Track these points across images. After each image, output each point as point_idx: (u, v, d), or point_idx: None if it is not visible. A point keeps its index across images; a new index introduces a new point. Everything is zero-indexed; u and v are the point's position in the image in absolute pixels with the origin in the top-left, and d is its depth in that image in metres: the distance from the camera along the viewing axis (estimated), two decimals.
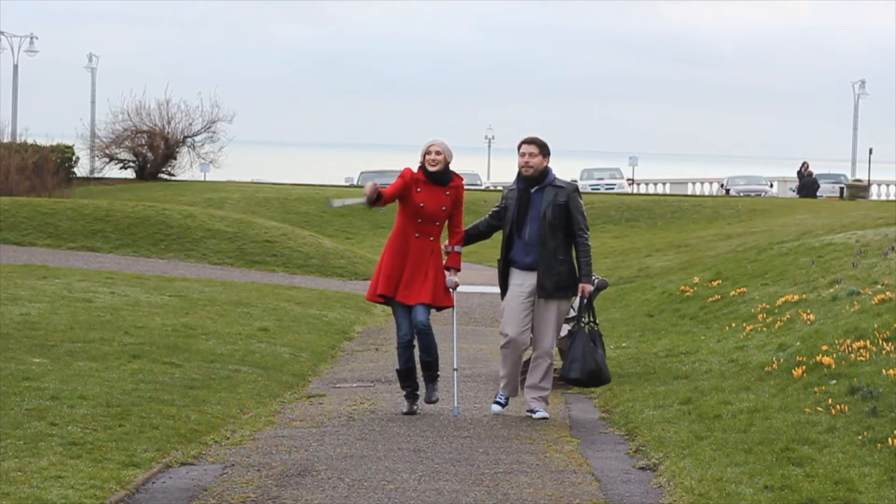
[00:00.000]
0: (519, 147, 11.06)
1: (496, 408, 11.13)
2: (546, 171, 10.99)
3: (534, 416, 10.93)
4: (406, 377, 11.09)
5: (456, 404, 11.06)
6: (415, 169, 11.00)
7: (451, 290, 11.00)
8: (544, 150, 10.98)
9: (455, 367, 11.19)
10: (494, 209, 11.22)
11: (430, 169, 10.88)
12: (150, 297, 18.21)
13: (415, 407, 11.07)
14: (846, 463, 8.56)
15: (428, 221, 10.90)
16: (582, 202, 11.12)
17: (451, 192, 10.94)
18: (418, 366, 11.20)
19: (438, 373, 11.20)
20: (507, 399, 11.16)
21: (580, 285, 10.93)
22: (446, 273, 11.00)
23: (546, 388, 11.05)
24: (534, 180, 10.94)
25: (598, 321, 11.25)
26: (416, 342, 11.04)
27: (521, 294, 10.91)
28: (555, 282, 10.86)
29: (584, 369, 10.96)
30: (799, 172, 50.05)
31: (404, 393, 11.16)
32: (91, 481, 8.11)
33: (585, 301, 11.04)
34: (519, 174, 11.02)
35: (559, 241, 10.88)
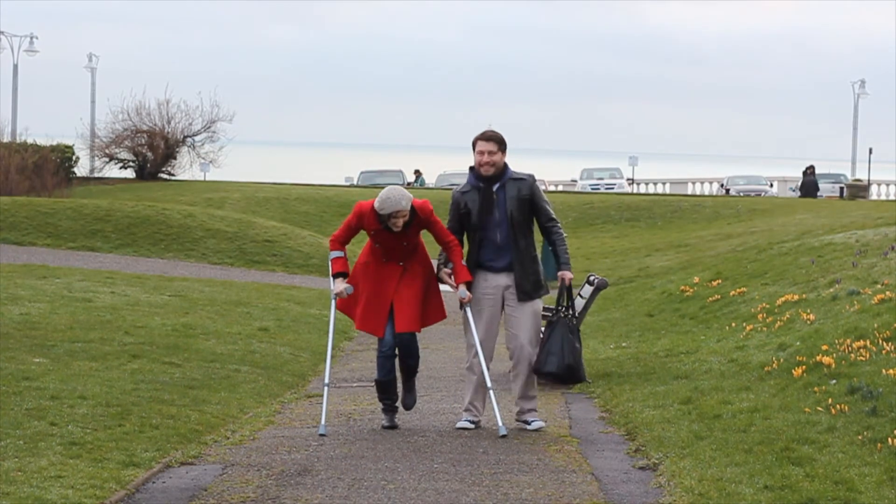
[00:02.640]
0: (474, 144, 10.33)
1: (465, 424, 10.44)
2: (505, 167, 10.39)
3: (529, 427, 10.40)
4: (385, 389, 10.42)
5: (500, 423, 10.14)
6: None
7: (462, 302, 10.31)
8: (503, 146, 10.31)
9: (489, 386, 10.29)
10: (452, 223, 10.37)
11: (393, 230, 10.10)
12: (150, 296, 18.23)
13: (395, 420, 10.53)
14: (846, 463, 8.55)
15: (390, 252, 10.24)
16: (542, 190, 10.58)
17: (413, 230, 10.18)
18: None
19: (415, 381, 10.60)
20: (471, 421, 10.39)
21: (559, 273, 10.38)
22: (460, 288, 10.28)
23: (534, 395, 10.53)
24: (494, 178, 10.34)
25: (577, 313, 10.46)
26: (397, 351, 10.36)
27: (490, 297, 10.34)
28: (532, 281, 10.31)
29: (560, 364, 10.27)
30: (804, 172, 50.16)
31: (382, 406, 10.52)
32: (91, 481, 8.11)
33: (566, 290, 10.51)
34: (476, 173, 10.38)
35: (529, 239, 10.35)
